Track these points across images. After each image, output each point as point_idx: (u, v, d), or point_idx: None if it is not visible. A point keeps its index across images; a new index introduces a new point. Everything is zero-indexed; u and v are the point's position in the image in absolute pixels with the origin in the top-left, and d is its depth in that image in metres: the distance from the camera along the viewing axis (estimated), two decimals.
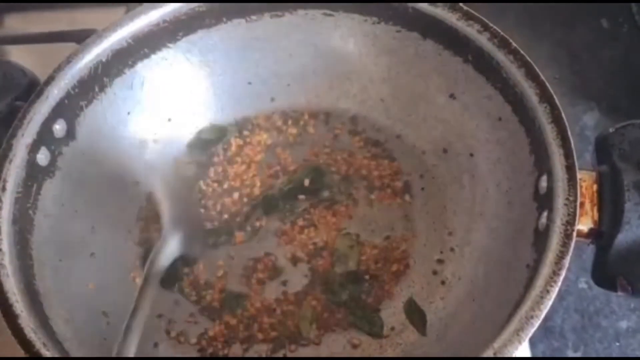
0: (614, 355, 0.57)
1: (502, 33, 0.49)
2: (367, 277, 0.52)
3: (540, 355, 0.57)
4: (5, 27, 0.73)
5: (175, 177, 0.54)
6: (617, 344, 0.58)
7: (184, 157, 0.58)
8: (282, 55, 0.58)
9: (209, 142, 0.58)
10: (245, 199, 0.56)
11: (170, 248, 0.49)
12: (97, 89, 0.53)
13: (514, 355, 0.39)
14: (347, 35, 0.57)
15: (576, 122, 0.67)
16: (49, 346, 0.41)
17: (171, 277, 0.52)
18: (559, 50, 0.72)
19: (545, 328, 0.58)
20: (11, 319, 0.41)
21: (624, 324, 0.59)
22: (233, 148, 0.58)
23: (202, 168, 0.57)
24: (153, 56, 0.55)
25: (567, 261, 0.40)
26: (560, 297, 0.55)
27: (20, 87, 0.53)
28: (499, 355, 0.38)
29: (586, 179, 0.44)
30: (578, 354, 0.58)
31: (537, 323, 0.39)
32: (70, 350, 0.44)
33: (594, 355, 0.58)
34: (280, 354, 0.50)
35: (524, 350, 0.54)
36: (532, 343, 0.57)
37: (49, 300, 0.46)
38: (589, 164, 0.47)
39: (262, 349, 0.50)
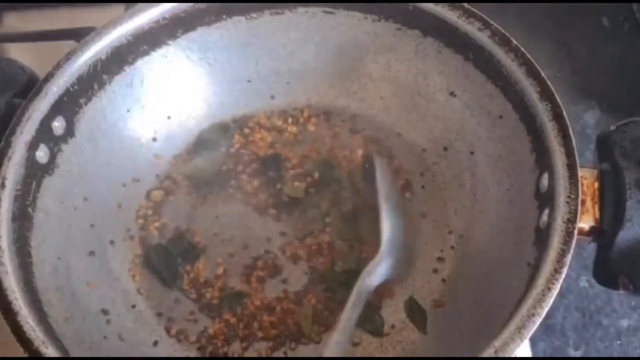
0: (615, 353, 0.57)
1: (502, 31, 0.49)
2: None
3: (541, 353, 0.57)
4: (3, 25, 0.73)
5: (398, 203, 0.53)
6: (618, 342, 0.58)
7: (185, 154, 0.57)
8: (282, 53, 0.58)
9: (211, 140, 0.58)
10: None
11: (382, 269, 0.48)
12: (96, 87, 0.53)
13: (514, 355, 0.39)
14: (348, 33, 0.56)
15: (577, 120, 0.67)
16: (48, 344, 0.41)
17: (171, 275, 0.52)
18: (560, 49, 0.71)
19: (546, 326, 0.58)
20: (10, 316, 0.41)
21: (625, 323, 0.59)
22: (235, 146, 0.58)
23: (206, 165, 0.57)
24: (153, 53, 0.55)
25: (568, 259, 0.40)
26: (561, 295, 0.55)
27: (19, 84, 0.52)
28: (500, 354, 0.38)
29: (587, 177, 0.44)
30: (579, 353, 0.57)
31: (538, 321, 0.39)
32: (70, 348, 0.43)
33: (595, 353, 0.57)
34: (280, 352, 0.49)
35: (524, 349, 0.53)
36: (533, 342, 0.57)
37: (48, 298, 0.45)
38: (589, 162, 0.47)
39: (262, 347, 0.50)
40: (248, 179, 0.56)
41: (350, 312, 0.46)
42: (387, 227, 0.50)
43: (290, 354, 0.49)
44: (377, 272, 0.48)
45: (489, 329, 0.41)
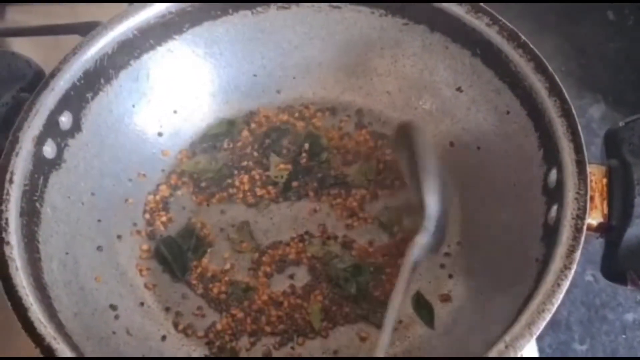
0: (621, 348, 0.58)
1: (511, 26, 0.49)
2: (372, 269, 0.52)
3: (546, 348, 0.58)
4: (7, 19, 0.73)
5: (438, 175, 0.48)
6: (624, 336, 0.58)
7: (191, 149, 0.57)
8: (288, 47, 0.58)
9: (218, 135, 0.58)
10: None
11: (426, 245, 0.46)
12: (102, 81, 0.53)
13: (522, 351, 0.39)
14: (354, 28, 0.56)
15: (582, 114, 0.67)
16: (59, 340, 0.41)
17: (181, 268, 0.52)
18: (565, 43, 0.71)
19: (552, 321, 0.58)
20: (21, 312, 0.41)
21: (630, 317, 0.59)
22: (242, 140, 0.58)
23: (213, 160, 0.57)
24: (159, 48, 0.55)
25: (577, 255, 0.40)
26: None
27: (26, 79, 0.52)
28: (510, 349, 0.38)
29: (596, 173, 0.44)
30: (584, 347, 0.58)
31: (548, 317, 0.39)
32: (79, 344, 0.43)
33: (600, 348, 0.58)
34: (288, 347, 0.49)
35: (530, 344, 0.53)
36: (539, 336, 0.57)
37: (57, 294, 0.46)
38: (595, 156, 0.47)
39: (269, 342, 0.50)
40: (254, 173, 0.56)
41: (398, 286, 0.44)
42: (430, 201, 0.46)
43: (297, 349, 0.49)
44: (423, 248, 0.45)
45: (496, 324, 0.41)
